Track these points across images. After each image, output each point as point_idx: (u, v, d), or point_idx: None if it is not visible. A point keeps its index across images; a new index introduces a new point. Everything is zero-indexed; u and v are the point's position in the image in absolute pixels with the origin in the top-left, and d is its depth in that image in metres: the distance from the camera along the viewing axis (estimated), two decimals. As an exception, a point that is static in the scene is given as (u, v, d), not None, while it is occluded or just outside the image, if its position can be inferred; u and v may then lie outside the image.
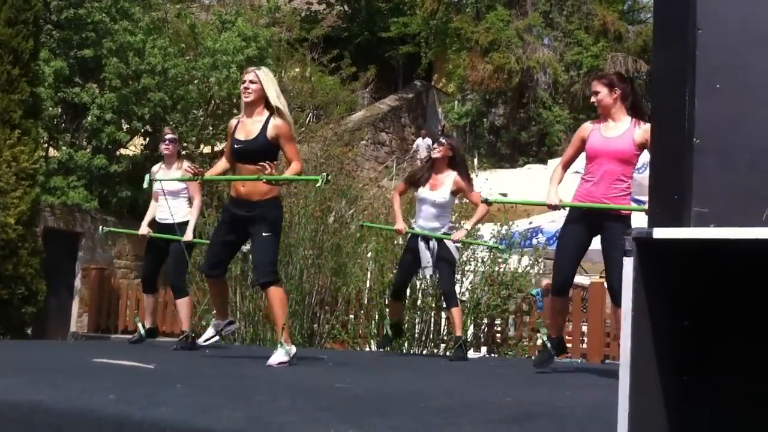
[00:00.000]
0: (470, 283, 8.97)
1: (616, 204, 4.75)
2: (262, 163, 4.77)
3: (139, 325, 7.08)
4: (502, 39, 20.81)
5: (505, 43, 20.77)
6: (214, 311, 5.39)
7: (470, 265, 9.02)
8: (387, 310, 7.44)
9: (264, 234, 4.87)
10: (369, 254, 9.58)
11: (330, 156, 9.76)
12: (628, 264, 1.90)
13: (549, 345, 5.04)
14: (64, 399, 2.80)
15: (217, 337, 5.34)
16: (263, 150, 4.87)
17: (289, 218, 8.96)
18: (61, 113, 15.02)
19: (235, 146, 5.00)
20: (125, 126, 14.60)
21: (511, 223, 9.39)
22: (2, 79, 9.55)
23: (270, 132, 4.88)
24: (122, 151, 15.04)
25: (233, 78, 14.77)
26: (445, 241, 6.35)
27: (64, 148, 14.29)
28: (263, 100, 4.95)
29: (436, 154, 6.44)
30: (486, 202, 5.79)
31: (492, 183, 9.70)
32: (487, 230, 9.33)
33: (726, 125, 1.98)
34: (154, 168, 7.06)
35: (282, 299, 4.93)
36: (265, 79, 4.95)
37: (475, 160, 20.14)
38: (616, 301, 4.74)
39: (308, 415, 2.57)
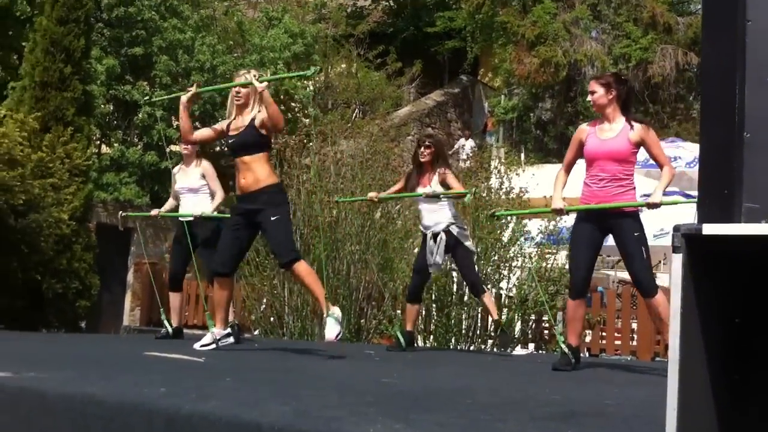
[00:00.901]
0: (517, 279, 8.92)
1: (622, 202, 4.80)
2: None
3: (166, 322, 7.11)
4: (548, 32, 20.59)
5: (552, 37, 20.54)
6: (216, 319, 5.38)
7: (517, 260, 8.97)
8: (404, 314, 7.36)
9: (272, 218, 5.07)
10: (415, 250, 9.58)
11: (376, 152, 9.77)
12: (677, 260, 1.88)
13: (569, 352, 4.98)
14: (116, 392, 2.85)
15: (213, 346, 5.32)
16: (254, 140, 5.17)
17: (336, 214, 9.01)
18: (113, 110, 15.27)
19: (229, 141, 5.30)
20: (176, 123, 14.80)
21: (558, 218, 9.31)
22: (55, 78, 9.74)
23: (257, 121, 5.17)
24: (173, 147, 15.25)
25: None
26: (452, 230, 6.37)
27: (116, 144, 14.54)
28: (253, 102, 5.28)
29: (425, 158, 6.48)
30: (494, 216, 5.87)
31: (539, 178, 9.58)
32: (534, 225, 9.27)
33: (778, 119, 1.95)
34: (175, 168, 7.29)
35: (310, 271, 5.13)
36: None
37: (522, 155, 20.00)
38: (646, 294, 4.75)
39: (355, 410, 2.59)
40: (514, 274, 8.94)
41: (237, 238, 5.28)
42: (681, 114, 20.53)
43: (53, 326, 9.38)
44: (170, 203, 7.36)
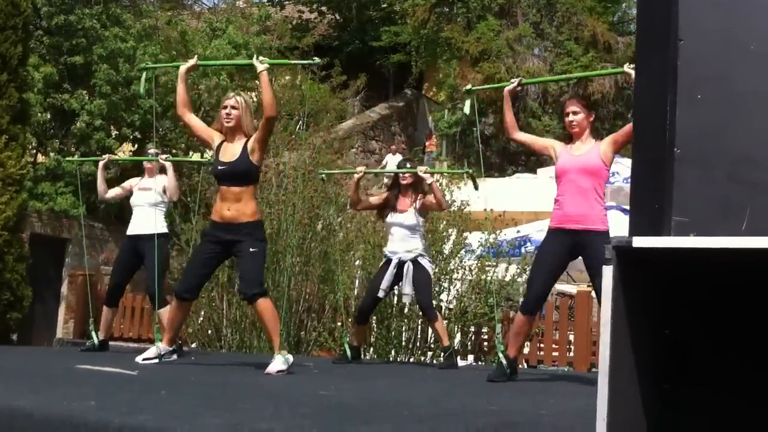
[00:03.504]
0: (457, 291, 8.97)
1: (594, 219, 4.76)
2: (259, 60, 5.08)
3: (94, 334, 7.03)
4: (492, 49, 20.85)
5: (496, 53, 20.81)
6: (165, 334, 5.40)
7: (457, 273, 9.02)
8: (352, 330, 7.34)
9: (251, 249, 4.97)
10: (357, 262, 9.57)
11: (319, 163, 9.74)
12: (608, 272, 1.91)
13: (505, 363, 5.02)
14: (45, 405, 2.78)
15: (156, 360, 5.32)
16: (246, 170, 5.02)
17: (277, 225, 8.95)
18: (50, 119, 14.96)
19: (219, 167, 5.12)
20: (114, 132, 14.56)
21: (498, 231, 9.41)
22: (-10, 85, 9.51)
23: (249, 149, 5.04)
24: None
25: (223, 85, 14.77)
26: (420, 261, 6.39)
27: (52, 154, 14.23)
28: (243, 126, 5.16)
29: (406, 180, 6.52)
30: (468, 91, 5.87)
31: (480, 191, 9.68)
32: (475, 238, 9.34)
33: (706, 136, 2.00)
34: (134, 180, 7.22)
35: (272, 310, 4.99)
36: (244, 106, 5.17)
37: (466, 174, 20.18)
38: None
39: (289, 423, 2.56)
40: (454, 287, 8.99)
41: (206, 266, 5.20)
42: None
43: (-17, 339, 9.11)
44: (116, 189, 7.30)
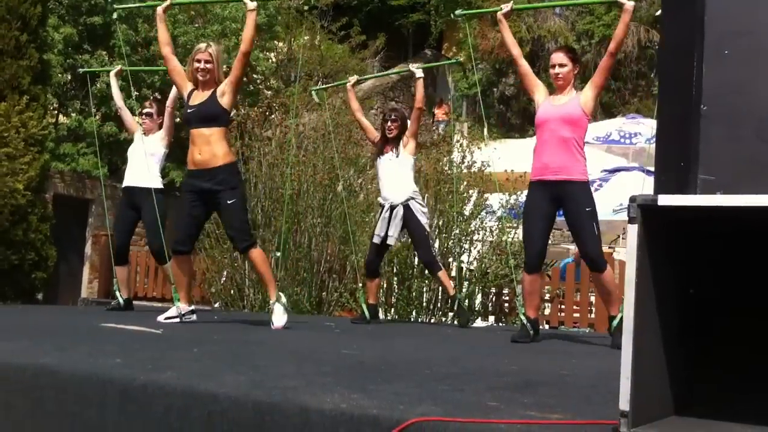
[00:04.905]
0: (478, 252, 8.97)
1: (573, 169, 4.79)
2: None
3: (118, 294, 7.11)
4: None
5: (516, 12, 20.59)
6: (180, 296, 5.44)
7: (478, 234, 9.01)
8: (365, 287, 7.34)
9: (229, 201, 5.09)
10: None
11: (339, 124, 9.71)
12: (632, 231, 1.89)
13: (528, 325, 5.04)
14: (70, 362, 2.82)
15: (177, 319, 5.37)
16: (215, 112, 5.13)
17: (298, 186, 8.97)
18: (71, 80, 14.98)
19: (188, 111, 5.23)
20: (135, 93, 14.56)
21: (519, 192, 9.37)
22: (10, 45, 9.50)
23: (219, 92, 5.15)
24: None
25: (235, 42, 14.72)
26: (411, 208, 6.40)
27: (73, 115, 14.27)
28: (216, 77, 5.27)
29: (393, 134, 6.58)
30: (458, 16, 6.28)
31: (501, 152, 9.62)
32: (495, 199, 9.32)
33: (733, 93, 1.96)
34: (136, 135, 7.11)
35: (264, 258, 5.21)
36: (216, 56, 5.28)
37: (485, 130, 20.06)
38: (596, 268, 4.80)
39: (312, 380, 2.58)
40: (474, 248, 8.99)
41: (193, 217, 5.28)
42: (642, 91, 20.73)
43: (8, 298, 9.22)
44: (126, 110, 7.29)
